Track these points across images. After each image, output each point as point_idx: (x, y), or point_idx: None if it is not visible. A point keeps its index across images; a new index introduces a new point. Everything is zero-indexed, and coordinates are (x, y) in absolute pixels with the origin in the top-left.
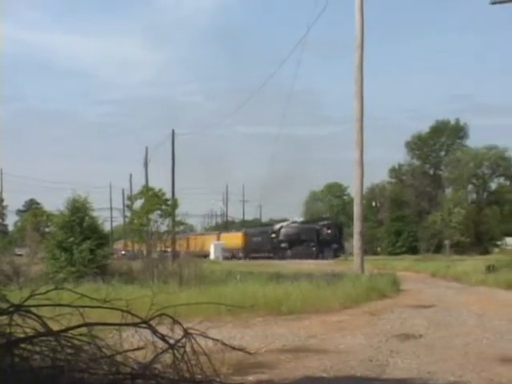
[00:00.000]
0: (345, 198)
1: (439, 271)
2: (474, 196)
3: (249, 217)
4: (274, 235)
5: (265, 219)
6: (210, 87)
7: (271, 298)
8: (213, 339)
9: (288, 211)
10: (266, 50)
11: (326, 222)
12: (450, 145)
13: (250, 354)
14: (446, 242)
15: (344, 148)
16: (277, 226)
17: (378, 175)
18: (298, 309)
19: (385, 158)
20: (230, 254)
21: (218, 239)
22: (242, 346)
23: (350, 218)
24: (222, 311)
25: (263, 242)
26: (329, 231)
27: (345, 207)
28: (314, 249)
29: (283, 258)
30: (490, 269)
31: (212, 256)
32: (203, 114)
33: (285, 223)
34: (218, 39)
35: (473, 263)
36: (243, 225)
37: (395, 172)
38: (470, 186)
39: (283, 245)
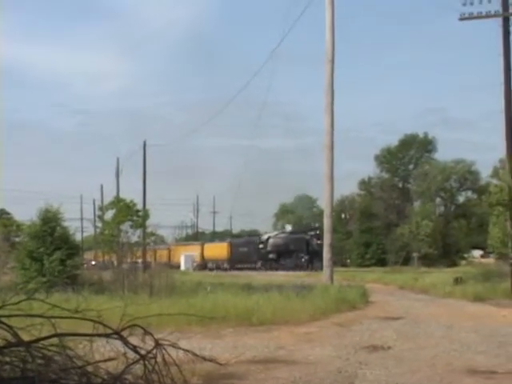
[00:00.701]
0: (314, 209)
1: (407, 283)
2: (442, 209)
3: (219, 228)
4: (261, 245)
5: (235, 231)
6: (183, 99)
7: (242, 309)
8: (183, 350)
9: (258, 223)
10: (239, 62)
11: (316, 232)
12: (419, 158)
13: (220, 364)
14: (414, 255)
15: (315, 160)
16: (265, 236)
17: (348, 187)
18: (268, 320)
19: (355, 170)
20: (215, 265)
21: (202, 249)
22: (213, 356)
23: (320, 229)
24: (192, 322)
25: (250, 252)
26: (319, 241)
27: (315, 219)
28: (303, 260)
29: (271, 269)
30: (458, 281)
31: (182, 267)
32: (175, 126)
33: (273, 233)
34: (192, 51)
35: (440, 275)
36: (214, 236)
37: (365, 184)
38: (438, 199)
39: (271, 256)
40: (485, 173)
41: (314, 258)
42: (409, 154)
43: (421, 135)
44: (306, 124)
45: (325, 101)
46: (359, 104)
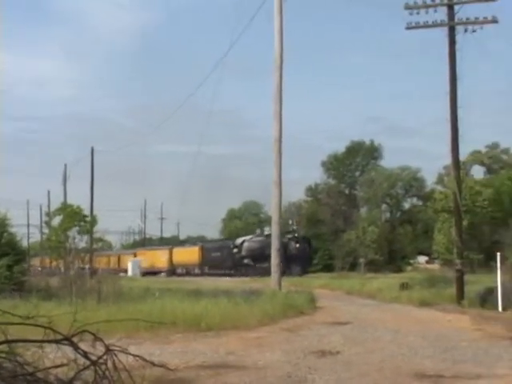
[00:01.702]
0: (261, 215)
1: (354, 289)
2: (388, 215)
3: (167, 234)
4: (235, 250)
5: (182, 236)
6: (131, 105)
7: (190, 314)
8: (133, 355)
9: (206, 228)
10: (187, 69)
11: (294, 235)
12: (365, 165)
13: (169, 370)
14: (361, 260)
15: (263, 167)
16: (239, 240)
17: (296, 194)
18: (216, 325)
19: (303, 177)
20: (184, 271)
21: (170, 254)
22: (162, 362)
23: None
24: (141, 328)
25: (223, 257)
26: (297, 245)
27: (261, 225)
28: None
29: (246, 275)
30: (404, 286)
31: (130, 273)
32: (123, 132)
33: (248, 237)
34: (140, 59)
35: (387, 281)
36: (161, 242)
37: (311, 191)
38: (384, 206)
39: (246, 261)
40: (430, 180)
41: (291, 263)
42: (355, 161)
43: (367, 142)
44: (253, 131)
45: (273, 107)
46: (306, 111)
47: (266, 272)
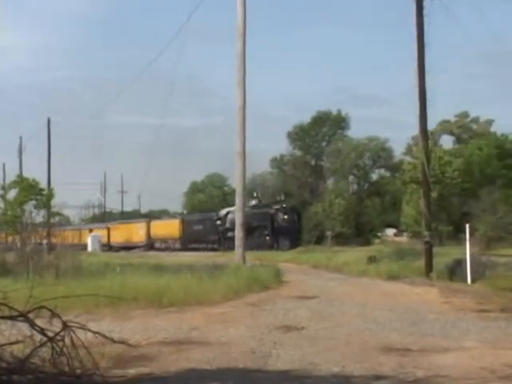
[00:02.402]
0: (225, 188)
1: (321, 262)
2: (355, 187)
3: (128, 208)
4: (219, 222)
5: (144, 210)
6: (91, 75)
7: (152, 290)
8: (92, 332)
9: (168, 202)
10: (150, 37)
11: (282, 206)
12: (332, 135)
13: (130, 346)
14: (328, 234)
15: (226, 138)
16: (223, 211)
17: (260, 166)
18: (179, 301)
19: (269, 148)
20: (164, 245)
21: (148, 228)
22: (123, 338)
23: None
24: (100, 304)
25: (206, 230)
26: (285, 217)
27: (225, 198)
28: (267, 238)
29: (231, 248)
30: (372, 260)
31: (89, 248)
32: (82, 102)
33: (232, 208)
34: (99, 26)
35: (354, 254)
36: (122, 216)
37: (277, 162)
38: (351, 177)
39: (230, 234)
40: (398, 150)
41: (279, 236)
42: (322, 131)
43: (334, 112)
44: (217, 101)
45: (237, 76)
46: (272, 81)
47: (255, 245)
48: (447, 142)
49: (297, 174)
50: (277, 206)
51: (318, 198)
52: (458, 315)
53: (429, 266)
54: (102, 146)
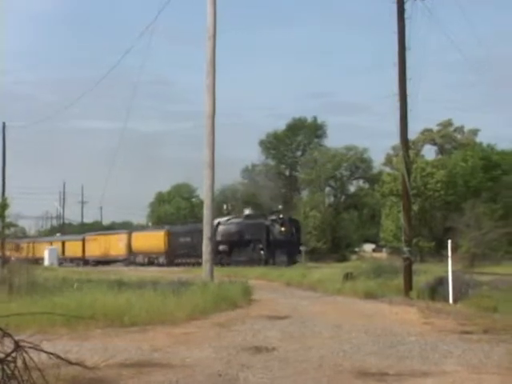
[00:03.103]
0: (193, 199)
1: (294, 279)
2: (332, 199)
3: (88, 219)
4: None
5: (106, 222)
6: (50, 79)
7: (112, 308)
8: (47, 353)
9: (132, 213)
10: (114, 38)
11: (278, 217)
12: (307, 144)
13: (87, 368)
14: (302, 249)
15: (194, 146)
16: (213, 222)
17: (231, 176)
18: (141, 320)
19: (238, 157)
20: (147, 260)
21: (129, 240)
22: (79, 360)
23: (199, 220)
24: (56, 322)
25: (194, 243)
26: (282, 228)
27: (193, 210)
28: (262, 252)
29: (222, 264)
30: (348, 277)
31: (46, 262)
32: (40, 106)
33: (223, 218)
34: (61, 27)
35: (330, 271)
36: (82, 228)
37: (248, 172)
38: (328, 189)
39: (222, 247)
40: (378, 161)
41: (276, 250)
42: (296, 140)
43: (310, 119)
44: (184, 106)
45: (206, 81)
46: (244, 86)
47: (247, 260)
48: (429, 152)
49: (269, 185)
50: (273, 217)
51: (292, 211)
52: (439, 337)
53: (408, 285)
54: (62, 152)
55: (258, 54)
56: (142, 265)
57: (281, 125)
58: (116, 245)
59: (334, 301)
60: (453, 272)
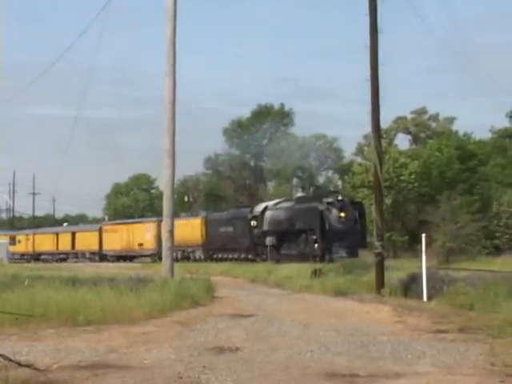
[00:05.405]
0: (153, 191)
1: (260, 276)
2: (300, 190)
3: (40, 212)
4: (253, 223)
5: (59, 215)
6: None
7: (66, 306)
8: None
9: (87, 206)
10: (72, 23)
11: (336, 198)
12: (274, 132)
13: (38, 371)
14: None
15: (153, 134)
16: (259, 207)
17: (192, 166)
18: (97, 319)
19: (201, 146)
20: (180, 254)
21: (159, 229)
22: (30, 361)
23: (159, 214)
24: (5, 322)
25: (237, 233)
26: (341, 214)
27: (153, 202)
28: (315, 245)
29: (271, 259)
30: (316, 273)
31: None
32: None
33: (271, 202)
34: (7, 8)
35: (297, 267)
36: (34, 221)
37: (211, 162)
38: (295, 180)
39: (269, 239)
40: (348, 150)
41: (333, 243)
42: (262, 128)
43: (276, 106)
44: (143, 92)
45: (166, 64)
46: (207, 71)
47: (297, 255)
48: (403, 141)
49: (233, 176)
50: (329, 199)
51: (257, 203)
52: (412, 336)
53: (380, 281)
54: (11, 140)
55: (224, 37)
56: (177, 260)
57: (245, 112)
58: (142, 236)
59: (301, 298)
60: (427, 268)
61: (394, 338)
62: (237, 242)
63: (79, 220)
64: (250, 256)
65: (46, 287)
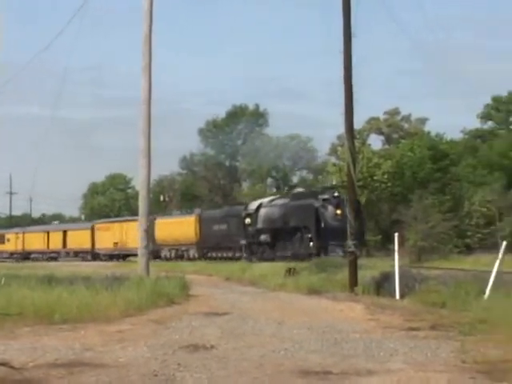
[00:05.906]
0: (129, 191)
1: (234, 274)
2: (274, 190)
3: (17, 211)
4: (248, 220)
5: (36, 214)
6: None
7: (42, 304)
8: None
9: (63, 205)
10: (49, 22)
11: (332, 195)
12: (248, 133)
13: (14, 369)
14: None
15: (129, 134)
16: (254, 204)
17: (168, 166)
18: (73, 317)
19: (178, 147)
20: (173, 253)
21: (152, 228)
22: (5, 360)
23: (135, 213)
24: None
25: (231, 231)
26: (337, 211)
27: (128, 201)
28: (310, 243)
29: (264, 259)
30: (290, 272)
31: None
32: None
33: (266, 199)
34: None
35: (271, 266)
36: (11, 221)
37: (186, 162)
38: (270, 180)
39: (263, 237)
40: (322, 151)
41: (329, 240)
42: (237, 128)
43: (251, 107)
44: (118, 93)
45: (142, 62)
46: (182, 71)
47: (292, 253)
48: (376, 141)
49: (208, 176)
50: (324, 196)
51: (232, 203)
52: (385, 334)
53: (353, 280)
54: None
55: (200, 38)
56: (168, 259)
57: (221, 112)
58: (133, 234)
59: (275, 297)
60: (399, 266)
61: (367, 336)
62: (231, 240)
63: (56, 219)
64: (244, 255)
65: (22, 286)
